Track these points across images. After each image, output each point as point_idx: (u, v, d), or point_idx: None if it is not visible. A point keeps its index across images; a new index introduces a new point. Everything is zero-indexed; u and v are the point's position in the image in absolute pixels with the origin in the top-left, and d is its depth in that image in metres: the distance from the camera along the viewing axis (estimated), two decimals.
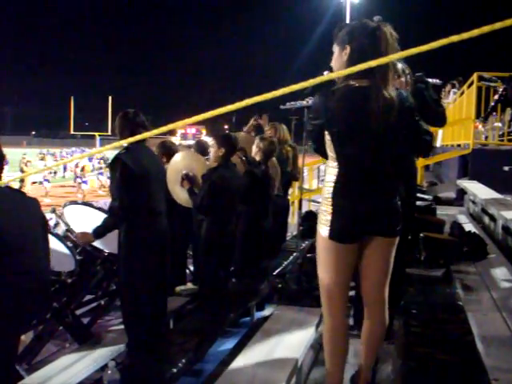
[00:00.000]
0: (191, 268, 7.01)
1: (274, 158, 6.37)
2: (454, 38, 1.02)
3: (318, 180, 18.14)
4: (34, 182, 27.25)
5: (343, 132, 2.89)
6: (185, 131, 71.89)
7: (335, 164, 2.92)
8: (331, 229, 2.93)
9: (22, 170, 27.75)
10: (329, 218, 2.93)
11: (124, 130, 4.41)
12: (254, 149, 6.25)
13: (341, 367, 3.10)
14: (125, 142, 1.59)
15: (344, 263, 3.00)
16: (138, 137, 1.58)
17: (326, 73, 3.29)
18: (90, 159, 33.94)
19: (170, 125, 1.75)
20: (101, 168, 28.54)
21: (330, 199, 2.92)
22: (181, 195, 5.65)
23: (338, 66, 3.02)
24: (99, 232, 4.41)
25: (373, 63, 1.29)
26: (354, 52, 2.90)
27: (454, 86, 15.02)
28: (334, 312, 3.06)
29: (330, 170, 2.96)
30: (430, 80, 3.93)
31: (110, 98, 62.99)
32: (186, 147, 7.61)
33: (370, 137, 2.85)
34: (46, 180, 26.36)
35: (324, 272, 3.05)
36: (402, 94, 2.92)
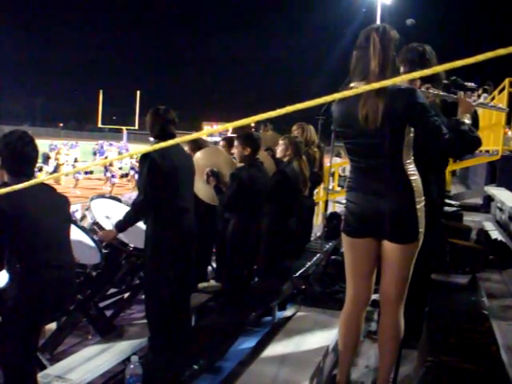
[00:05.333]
0: (214, 265, 7.03)
1: (304, 158, 6.35)
2: (501, 52, 0.99)
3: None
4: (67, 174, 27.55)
5: (341, 132, 3.12)
6: (211, 128, 72.12)
7: (348, 160, 3.20)
8: (343, 222, 3.16)
9: (57, 161, 28.09)
10: (344, 211, 3.18)
11: (154, 126, 4.45)
12: (280, 149, 6.25)
13: (350, 349, 3.29)
14: (165, 145, 1.59)
15: (356, 256, 3.14)
16: (179, 139, 1.58)
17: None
18: (119, 154, 34.34)
19: (208, 130, 1.76)
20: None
21: (345, 193, 3.16)
22: (202, 191, 5.66)
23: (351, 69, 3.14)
24: (121, 226, 4.47)
25: (416, 74, 1.27)
26: (354, 55, 3.04)
27: (485, 91, 14.70)
28: (350, 297, 3.23)
29: (348, 166, 3.28)
30: (466, 84, 3.88)
31: (137, 92, 63.50)
32: (212, 144, 7.62)
33: (361, 136, 2.96)
34: (78, 172, 26.60)
35: (345, 262, 3.24)
36: (400, 91, 2.88)
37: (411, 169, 2.98)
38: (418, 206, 2.98)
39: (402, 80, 2.61)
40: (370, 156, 2.98)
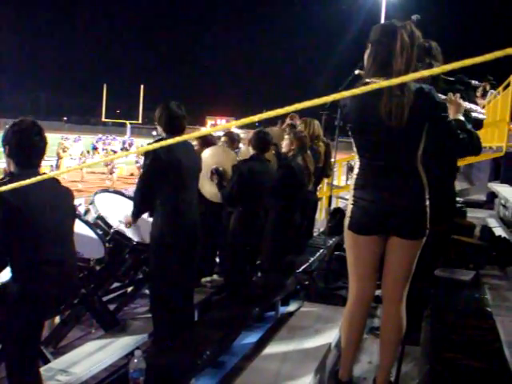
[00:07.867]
0: (217, 260, 7.03)
1: (309, 152, 6.34)
2: (510, 51, 0.98)
3: (347, 177, 18.05)
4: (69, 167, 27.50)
5: (357, 127, 3.04)
6: (215, 122, 71.96)
7: (357, 157, 3.08)
8: (350, 219, 3.09)
9: (58, 155, 28.07)
10: (350, 208, 3.09)
11: (165, 120, 4.44)
12: (285, 143, 6.24)
13: (353, 346, 3.29)
14: (170, 142, 1.60)
15: (362, 255, 3.11)
16: (187, 136, 1.59)
17: (357, 72, 3.39)
18: (122, 148, 34.22)
19: (217, 126, 1.76)
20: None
21: (352, 191, 3.08)
22: (207, 189, 5.66)
23: (366, 64, 3.10)
24: (133, 215, 4.55)
25: (425, 73, 1.26)
26: (372, 50, 3.01)
27: (493, 87, 14.56)
28: (354, 296, 3.21)
29: (356, 163, 3.11)
30: (470, 81, 3.88)
31: (141, 86, 63.47)
32: (216, 138, 7.61)
33: (382, 132, 2.92)
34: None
35: (348, 260, 3.20)
36: (422, 90, 2.89)
37: (421, 167, 3.00)
38: (427, 203, 3.00)
39: (411, 78, 2.60)
40: (388, 153, 2.95)
